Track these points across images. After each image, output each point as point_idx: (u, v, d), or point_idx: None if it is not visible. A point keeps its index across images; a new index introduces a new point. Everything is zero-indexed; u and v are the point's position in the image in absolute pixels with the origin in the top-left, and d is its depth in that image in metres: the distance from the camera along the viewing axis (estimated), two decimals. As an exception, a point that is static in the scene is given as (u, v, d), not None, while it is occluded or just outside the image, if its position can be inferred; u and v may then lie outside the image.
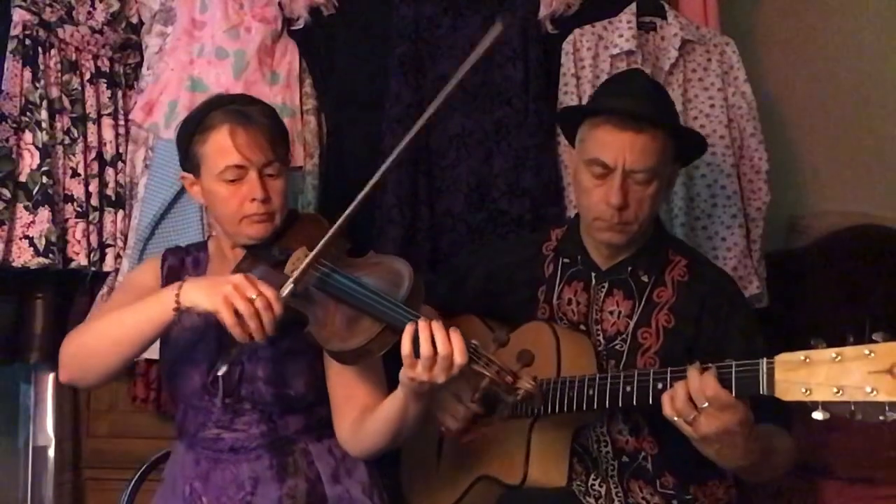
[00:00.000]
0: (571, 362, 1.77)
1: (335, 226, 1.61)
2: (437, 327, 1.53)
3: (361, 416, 1.72)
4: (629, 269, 1.86)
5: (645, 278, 1.85)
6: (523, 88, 2.45)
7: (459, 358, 1.52)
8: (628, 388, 1.63)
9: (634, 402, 1.62)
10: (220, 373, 1.65)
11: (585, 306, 1.89)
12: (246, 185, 1.72)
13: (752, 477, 1.72)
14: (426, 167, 2.46)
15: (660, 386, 1.57)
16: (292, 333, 1.71)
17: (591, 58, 2.48)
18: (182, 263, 1.88)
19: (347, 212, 1.59)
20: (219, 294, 1.56)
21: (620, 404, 1.65)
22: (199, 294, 1.59)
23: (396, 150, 1.58)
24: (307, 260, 1.62)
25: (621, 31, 2.49)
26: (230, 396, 1.75)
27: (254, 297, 1.55)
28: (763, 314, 2.42)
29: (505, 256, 2.03)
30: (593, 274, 1.89)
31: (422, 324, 1.53)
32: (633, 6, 2.52)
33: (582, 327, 1.88)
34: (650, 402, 1.59)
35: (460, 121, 2.46)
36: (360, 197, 1.58)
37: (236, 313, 1.55)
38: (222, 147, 1.72)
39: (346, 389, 1.75)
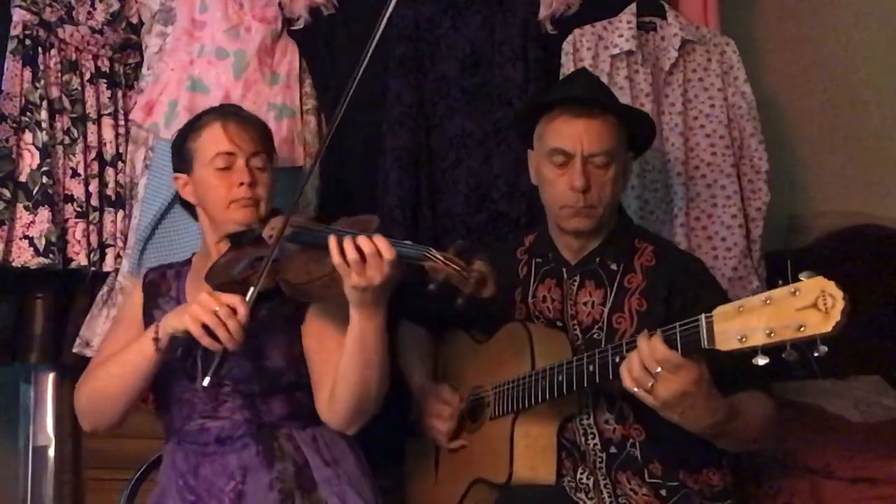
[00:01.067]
0: (548, 358, 1.80)
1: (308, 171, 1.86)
2: (359, 235, 1.62)
3: None
4: (597, 259, 1.92)
5: (614, 267, 1.91)
6: (523, 89, 2.44)
7: (387, 253, 1.61)
8: (591, 368, 1.68)
9: (598, 379, 1.67)
10: (204, 383, 1.69)
11: (560, 302, 1.93)
12: (235, 173, 1.87)
13: (730, 442, 1.73)
14: (427, 168, 2.47)
15: (617, 359, 1.61)
16: (267, 306, 1.79)
17: (591, 58, 2.48)
18: (163, 276, 1.98)
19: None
20: (185, 313, 1.69)
21: (586, 384, 1.70)
22: (172, 319, 1.73)
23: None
24: (283, 218, 1.72)
25: (621, 31, 2.49)
26: (209, 376, 1.75)
27: (217, 308, 1.66)
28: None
29: None
30: (564, 269, 1.95)
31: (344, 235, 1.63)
32: (633, 6, 2.52)
33: (558, 323, 1.92)
34: (611, 376, 1.63)
35: (460, 122, 2.46)
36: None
37: (205, 327, 1.66)
38: (214, 137, 1.89)
39: (325, 359, 1.78)
